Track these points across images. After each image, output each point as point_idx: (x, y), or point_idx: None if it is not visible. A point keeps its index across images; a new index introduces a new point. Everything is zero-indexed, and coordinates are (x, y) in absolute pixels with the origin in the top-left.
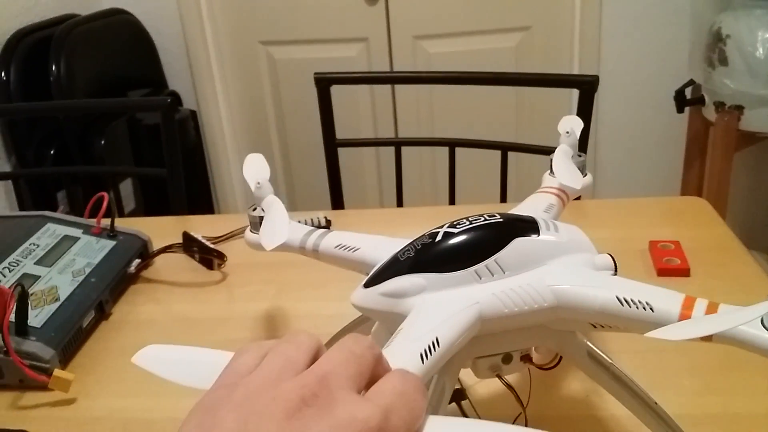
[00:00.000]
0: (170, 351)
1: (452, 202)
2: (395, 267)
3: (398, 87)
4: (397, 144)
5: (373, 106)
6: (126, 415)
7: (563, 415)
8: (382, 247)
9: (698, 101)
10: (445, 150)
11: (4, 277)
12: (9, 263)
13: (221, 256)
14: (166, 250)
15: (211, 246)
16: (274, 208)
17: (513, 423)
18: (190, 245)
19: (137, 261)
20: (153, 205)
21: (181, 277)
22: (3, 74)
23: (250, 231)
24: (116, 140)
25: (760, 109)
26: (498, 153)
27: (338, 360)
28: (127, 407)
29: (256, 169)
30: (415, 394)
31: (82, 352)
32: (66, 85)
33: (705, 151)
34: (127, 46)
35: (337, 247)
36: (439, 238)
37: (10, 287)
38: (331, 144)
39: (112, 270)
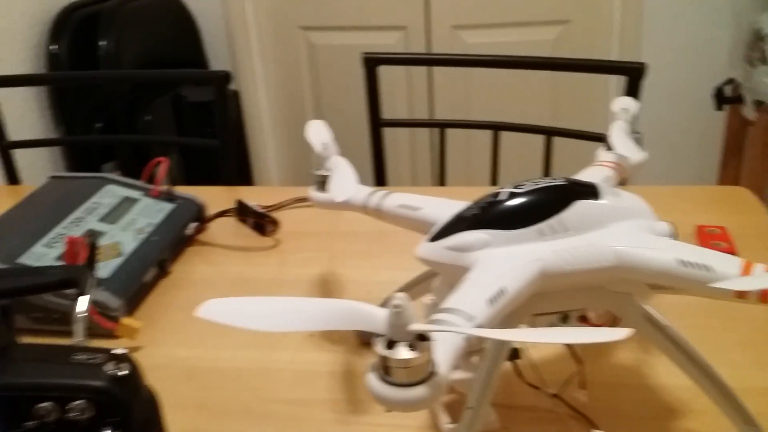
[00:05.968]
0: (229, 302)
1: (494, 183)
2: (460, 223)
3: (436, 72)
4: (443, 125)
5: (408, 89)
6: (189, 363)
7: (614, 381)
8: (444, 208)
9: (737, 99)
10: (480, 134)
11: (70, 231)
12: (74, 218)
13: (274, 223)
14: (222, 214)
15: (265, 212)
16: (341, 165)
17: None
18: (244, 211)
19: (194, 224)
20: (194, 181)
21: (234, 242)
22: (58, 47)
23: (315, 190)
24: (160, 116)
25: None
26: (538, 138)
27: None
28: (190, 356)
29: (318, 133)
30: None
31: (145, 306)
32: (114, 60)
33: (743, 149)
34: (171, 26)
35: (399, 206)
36: (503, 197)
37: (82, 236)
38: (376, 123)
39: (172, 231)
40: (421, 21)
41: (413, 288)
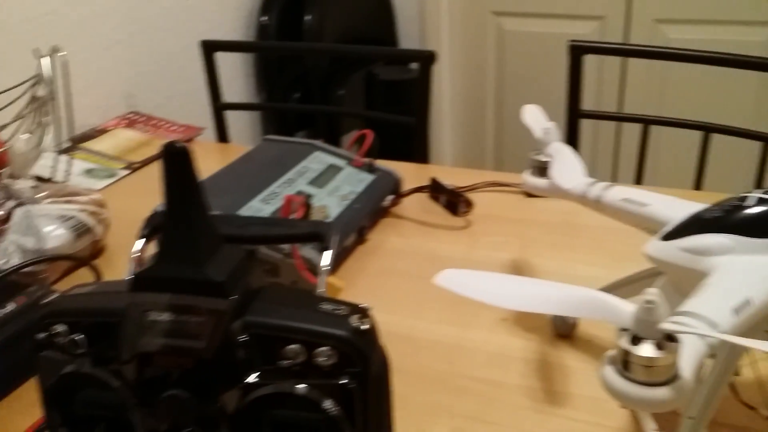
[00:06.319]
0: (466, 274)
1: (698, 186)
2: (698, 225)
3: (631, 65)
4: (648, 121)
5: (599, 80)
6: (385, 328)
7: None
8: (674, 207)
9: None
10: (668, 133)
11: (283, 191)
12: (287, 179)
13: (469, 203)
14: (418, 190)
15: (460, 192)
16: (564, 152)
17: None
18: (437, 189)
19: (390, 196)
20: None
21: (426, 218)
22: (267, 18)
23: (530, 174)
24: (352, 91)
25: None
26: (741, 142)
27: None
28: (385, 321)
29: (536, 117)
30: None
31: (344, 269)
32: (316, 34)
33: None
34: (369, 5)
35: (623, 200)
36: (750, 202)
37: (298, 196)
38: (575, 114)
39: (371, 201)
40: (621, 12)
41: (627, 286)
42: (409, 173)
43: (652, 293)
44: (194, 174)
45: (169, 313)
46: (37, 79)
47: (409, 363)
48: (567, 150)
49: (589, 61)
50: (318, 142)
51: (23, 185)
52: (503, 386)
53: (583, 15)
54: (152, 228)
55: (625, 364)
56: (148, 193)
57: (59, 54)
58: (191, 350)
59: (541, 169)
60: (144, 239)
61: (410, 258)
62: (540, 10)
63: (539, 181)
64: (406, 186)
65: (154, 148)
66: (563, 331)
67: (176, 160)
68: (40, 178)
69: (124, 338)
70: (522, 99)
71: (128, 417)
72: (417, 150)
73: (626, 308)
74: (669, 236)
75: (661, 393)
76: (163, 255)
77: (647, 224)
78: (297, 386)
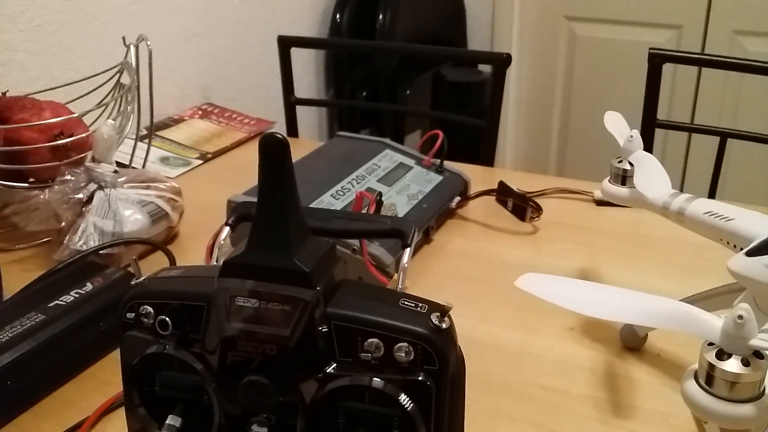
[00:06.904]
0: (548, 279)
1: None
2: None
3: (706, 75)
4: (723, 134)
5: (671, 90)
6: None
7: None
8: (760, 223)
9: None
10: (744, 146)
11: (353, 187)
12: (357, 175)
13: (538, 209)
14: (486, 193)
15: (530, 197)
16: (648, 161)
17: None
18: (505, 193)
19: (457, 198)
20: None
21: (492, 222)
22: (338, 16)
23: (609, 182)
24: (419, 92)
25: None
26: None
27: None
28: None
29: (618, 124)
30: None
31: (408, 268)
32: (388, 34)
33: None
34: (441, 6)
35: (707, 213)
36: None
37: (373, 195)
38: (651, 124)
39: (439, 201)
40: (700, 21)
41: (705, 300)
42: (475, 175)
43: (743, 308)
44: (290, 166)
45: (256, 299)
46: (123, 67)
47: (472, 366)
48: (651, 159)
49: (664, 69)
50: (388, 141)
51: (105, 170)
52: (568, 395)
53: (660, 23)
54: (238, 217)
55: (708, 378)
56: (220, 183)
57: (147, 42)
58: (275, 337)
59: (622, 177)
60: (229, 228)
61: (475, 261)
62: (616, 17)
63: (619, 190)
64: (473, 188)
65: (227, 140)
66: (632, 343)
67: (274, 151)
68: (119, 164)
69: (211, 322)
70: (590, 106)
71: (206, 400)
72: (484, 153)
73: (714, 322)
74: (754, 252)
75: (745, 410)
76: (253, 243)
77: (731, 239)
78: (374, 380)
